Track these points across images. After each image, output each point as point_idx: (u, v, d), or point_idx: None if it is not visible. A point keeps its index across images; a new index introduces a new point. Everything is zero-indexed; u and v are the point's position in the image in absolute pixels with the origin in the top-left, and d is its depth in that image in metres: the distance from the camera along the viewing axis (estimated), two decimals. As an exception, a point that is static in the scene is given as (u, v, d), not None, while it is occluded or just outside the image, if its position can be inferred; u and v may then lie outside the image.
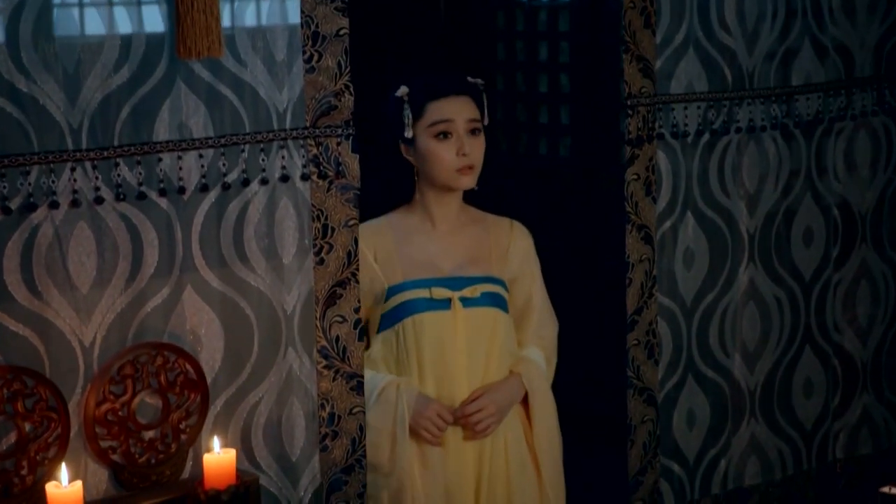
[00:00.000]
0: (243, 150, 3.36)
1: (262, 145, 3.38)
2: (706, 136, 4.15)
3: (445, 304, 3.31)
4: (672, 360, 4.22)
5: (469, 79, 3.42)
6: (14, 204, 3.07)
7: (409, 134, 3.33)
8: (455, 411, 3.32)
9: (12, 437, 3.13)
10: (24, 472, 3.14)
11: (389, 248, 3.40)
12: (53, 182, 3.11)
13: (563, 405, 3.73)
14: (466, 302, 3.31)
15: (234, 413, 3.45)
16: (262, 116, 3.38)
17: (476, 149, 3.34)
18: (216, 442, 3.11)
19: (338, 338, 3.54)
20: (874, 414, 4.67)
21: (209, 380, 3.39)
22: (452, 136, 3.33)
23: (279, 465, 3.53)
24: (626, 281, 4.05)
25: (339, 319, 3.54)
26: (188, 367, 3.34)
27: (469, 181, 3.36)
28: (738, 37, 4.14)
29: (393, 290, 3.37)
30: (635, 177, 4.01)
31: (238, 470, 3.22)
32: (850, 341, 4.60)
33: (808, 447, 4.54)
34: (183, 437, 3.36)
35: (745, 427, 4.40)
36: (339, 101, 3.46)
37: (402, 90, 3.38)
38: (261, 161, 3.38)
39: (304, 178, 3.45)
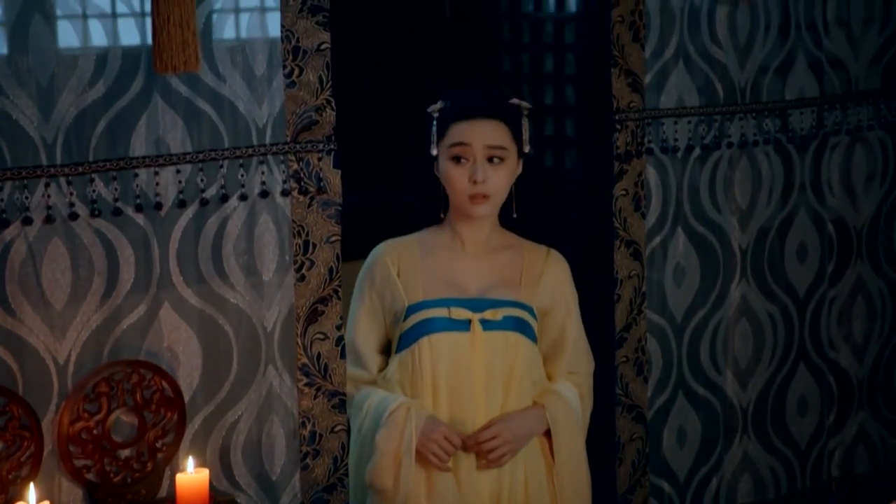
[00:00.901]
0: (222, 166, 3.32)
1: (241, 160, 3.34)
2: (697, 151, 4.10)
3: (465, 325, 3.12)
4: (662, 377, 4.17)
5: (514, 101, 3.18)
6: (-14, 220, 3.04)
7: (433, 151, 3.15)
8: (468, 438, 3.10)
9: (-16, 456, 3.10)
10: (-5, 491, 3.10)
11: (413, 265, 3.21)
12: (27, 198, 3.07)
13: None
14: (487, 325, 3.12)
15: (212, 431, 3.41)
16: (242, 131, 3.34)
17: (494, 178, 3.09)
18: (190, 462, 3.07)
19: (319, 355, 3.49)
20: (870, 431, 4.61)
21: (187, 398, 3.35)
22: (468, 162, 3.10)
23: (258, 484, 3.49)
24: (614, 297, 4.00)
25: (321, 336, 3.49)
26: (164, 384, 3.30)
27: (483, 210, 3.12)
28: (730, 50, 4.09)
29: (412, 309, 3.17)
30: (624, 192, 3.96)
31: (213, 490, 3.18)
32: (845, 358, 4.54)
33: (802, 465, 4.49)
34: (159, 455, 3.31)
35: (737, 445, 4.35)
36: (321, 115, 3.42)
37: (434, 106, 3.18)
38: (240, 176, 3.34)
39: (285, 193, 3.41)
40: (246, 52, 3.32)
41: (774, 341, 4.36)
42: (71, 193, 3.12)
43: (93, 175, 3.14)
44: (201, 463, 3.22)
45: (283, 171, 3.40)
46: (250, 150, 3.35)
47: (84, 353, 3.20)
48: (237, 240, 3.36)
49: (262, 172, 3.37)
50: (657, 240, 4.08)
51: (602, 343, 4.05)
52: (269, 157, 3.38)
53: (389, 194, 5.31)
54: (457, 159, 3.10)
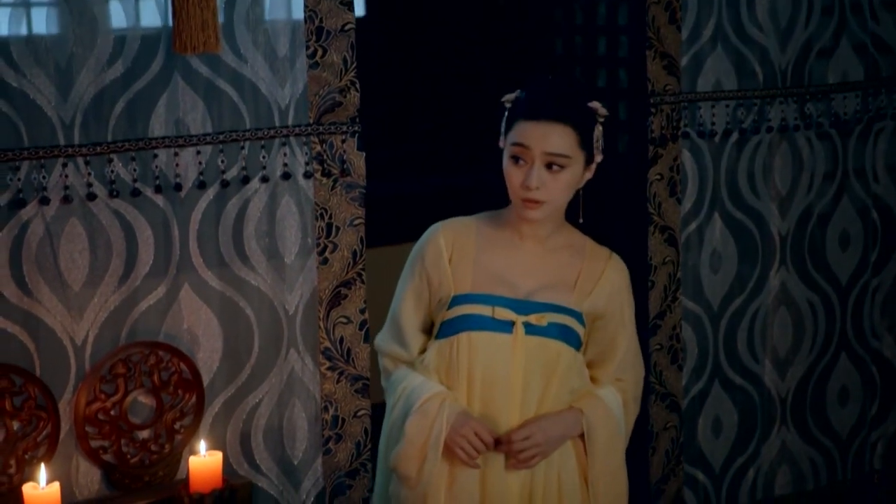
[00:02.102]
0: (243, 147, 3.29)
1: (262, 142, 3.31)
2: (735, 136, 4.01)
3: (507, 326, 2.95)
4: (697, 365, 4.09)
5: (592, 104, 2.92)
6: (3, 200, 3.03)
7: (501, 144, 2.94)
8: (500, 437, 2.95)
9: (0, 436, 3.09)
10: (11, 470, 3.10)
11: (467, 253, 3.02)
12: (44, 178, 3.06)
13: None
14: (530, 329, 2.95)
15: (233, 414, 3.39)
16: (263, 113, 3.30)
17: (551, 185, 2.87)
18: (202, 445, 3.05)
19: (342, 339, 3.46)
20: (915, 423, 4.51)
21: (206, 380, 3.33)
22: (526, 164, 2.88)
23: (280, 468, 3.47)
24: (648, 284, 3.93)
25: (344, 320, 3.46)
26: (183, 366, 3.28)
27: (535, 215, 2.91)
28: (770, 33, 3.98)
29: (457, 300, 2.99)
30: (658, 177, 3.88)
31: (227, 474, 3.16)
32: (889, 348, 4.43)
33: (843, 457, 4.39)
34: (177, 437, 3.30)
35: (775, 435, 4.26)
36: (345, 97, 3.38)
37: (509, 96, 2.97)
38: (261, 158, 3.31)
39: (307, 175, 3.37)
40: (268, 32, 3.28)
41: (815, 330, 4.27)
42: (89, 174, 3.11)
43: (111, 155, 3.13)
44: (216, 446, 3.21)
45: (306, 153, 3.36)
46: (272, 132, 3.31)
47: (102, 334, 3.19)
48: (258, 222, 3.33)
49: (285, 154, 3.34)
50: (693, 225, 3.99)
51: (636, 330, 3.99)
52: (292, 139, 3.34)
53: (418, 181, 5.24)
54: (515, 159, 2.89)
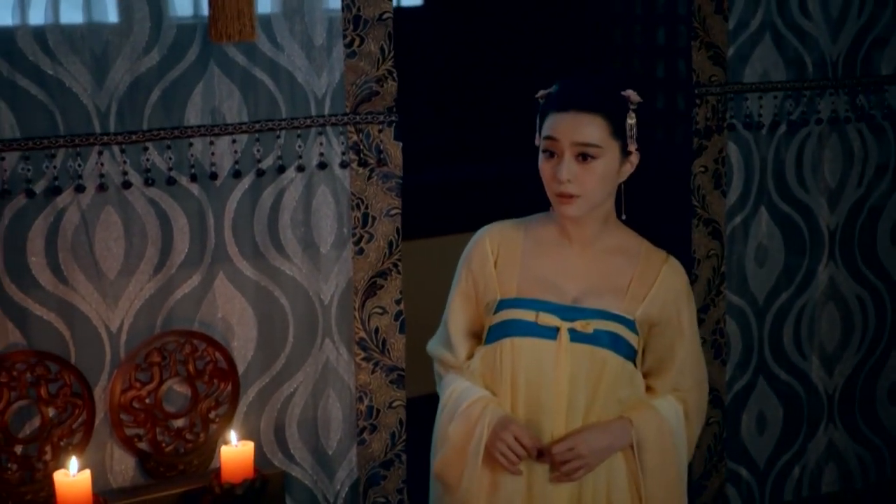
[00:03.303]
0: (279, 136, 3.28)
1: (299, 131, 3.30)
2: (783, 128, 3.94)
3: (552, 332, 2.82)
4: (741, 360, 4.03)
5: (626, 93, 2.80)
6: (39, 187, 3.04)
7: (536, 142, 2.82)
8: (544, 447, 2.81)
9: (35, 423, 3.11)
10: (46, 457, 3.12)
11: (513, 256, 2.92)
12: (80, 165, 3.07)
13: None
14: (576, 336, 2.82)
15: (267, 404, 3.39)
16: (300, 102, 3.29)
17: (584, 177, 2.75)
18: (233, 434, 3.04)
19: (377, 329, 3.44)
20: (967, 422, 4.41)
21: (241, 369, 3.33)
22: (557, 157, 2.77)
23: (314, 458, 3.46)
24: (691, 277, 3.88)
25: (379, 311, 3.44)
26: (218, 355, 3.28)
27: (571, 210, 2.79)
28: (821, 23, 3.91)
29: (503, 304, 2.89)
30: (703, 169, 3.82)
31: (261, 464, 3.16)
32: (942, 346, 4.35)
33: (893, 455, 4.31)
34: (212, 426, 3.30)
35: (822, 432, 4.19)
36: (382, 87, 3.36)
37: (542, 92, 2.87)
38: (297, 147, 3.30)
39: (344, 165, 3.36)
40: (305, 21, 3.27)
41: (864, 326, 4.19)
42: (124, 162, 3.11)
43: (146, 144, 3.13)
44: (250, 436, 3.21)
45: (343, 143, 3.35)
46: (308, 121, 3.30)
47: (137, 322, 3.20)
48: (294, 212, 3.32)
49: (321, 143, 3.33)
50: (738, 219, 3.93)
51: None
52: (328, 128, 3.33)
53: (457, 171, 5.19)
54: (547, 153, 2.78)
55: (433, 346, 3.02)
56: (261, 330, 3.34)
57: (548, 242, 2.91)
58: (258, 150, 3.25)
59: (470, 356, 2.98)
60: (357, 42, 3.32)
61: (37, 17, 2.99)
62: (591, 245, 2.89)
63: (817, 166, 4.01)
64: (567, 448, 2.78)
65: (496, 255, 2.93)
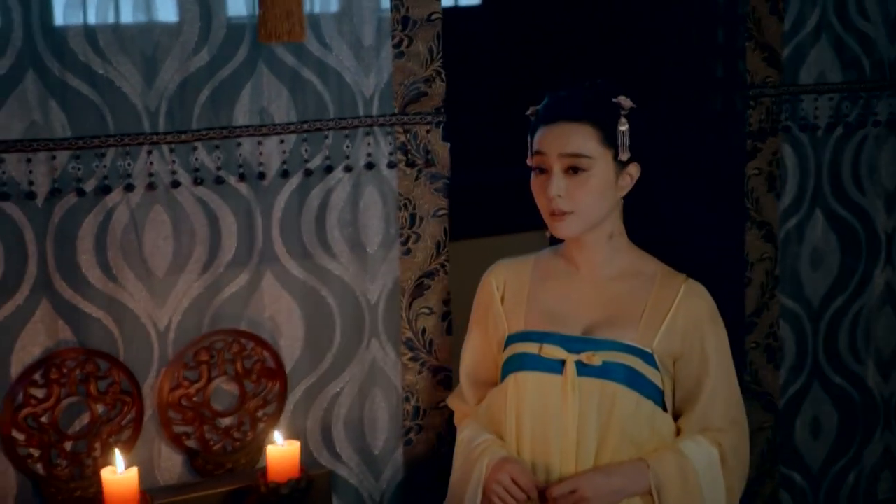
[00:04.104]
0: (327, 136, 3.28)
1: (346, 131, 3.30)
2: (839, 130, 3.88)
3: (557, 366, 2.64)
4: (795, 364, 3.98)
5: (617, 99, 2.64)
6: (89, 186, 3.07)
7: (528, 161, 2.67)
8: (545, 488, 2.62)
9: (85, 420, 3.15)
10: (95, 454, 3.15)
11: (520, 290, 2.79)
12: (129, 165, 3.09)
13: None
14: (583, 369, 2.62)
15: (314, 403, 3.40)
16: (348, 102, 3.30)
17: (575, 192, 2.59)
18: (278, 434, 3.05)
19: (424, 330, 3.44)
20: None
21: (288, 368, 3.34)
22: (546, 174, 2.63)
23: (360, 458, 3.46)
24: (744, 280, 3.84)
25: (426, 311, 3.44)
26: (266, 354, 3.30)
27: (564, 229, 2.63)
28: (879, 24, 3.85)
29: (510, 340, 2.77)
30: (756, 171, 3.78)
31: (307, 463, 3.17)
32: None
33: (952, 462, 4.25)
34: (260, 425, 3.32)
35: (877, 439, 4.13)
36: (430, 87, 3.35)
37: (532, 108, 2.74)
38: (345, 148, 3.31)
39: (391, 165, 3.36)
40: (353, 21, 3.27)
41: (923, 332, 4.13)
42: (173, 161, 3.14)
43: (195, 143, 3.15)
44: (296, 435, 3.22)
45: (390, 143, 3.35)
46: (356, 121, 3.31)
47: (184, 320, 3.22)
48: (341, 212, 3.33)
49: (369, 144, 3.33)
50: (793, 222, 3.89)
51: (730, 328, 3.90)
52: (376, 129, 3.33)
53: (505, 172, 5.15)
54: (538, 170, 2.64)
55: (449, 400, 2.95)
56: (308, 329, 3.35)
57: (555, 273, 2.76)
58: (306, 150, 3.26)
59: (481, 401, 2.86)
60: (406, 42, 3.32)
61: (89, 17, 3.01)
62: (601, 271, 2.72)
63: (874, 169, 3.95)
64: (569, 490, 2.58)
65: (502, 292, 2.82)
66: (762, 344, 3.89)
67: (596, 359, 2.62)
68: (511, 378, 2.70)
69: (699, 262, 3.94)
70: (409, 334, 3.43)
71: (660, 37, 4.61)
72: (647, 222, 3.75)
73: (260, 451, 3.31)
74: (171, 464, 3.26)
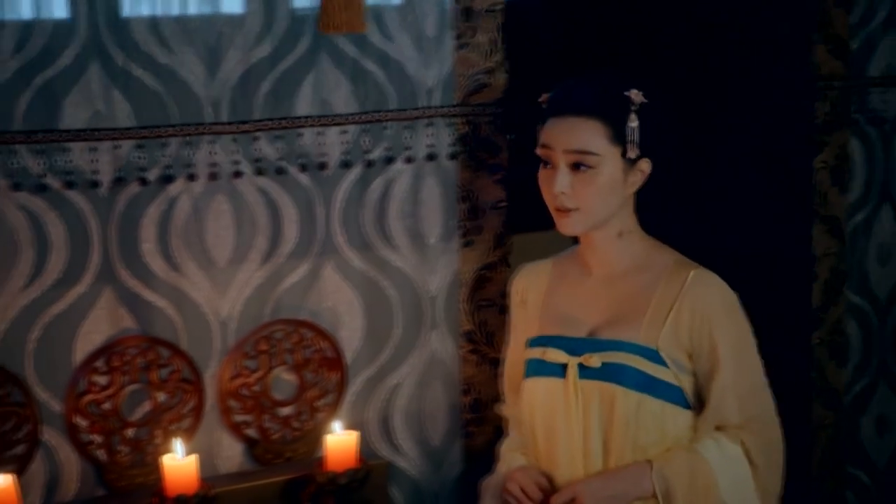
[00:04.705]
0: (387, 128, 3.29)
1: (407, 123, 3.30)
2: (909, 123, 3.83)
3: (560, 370, 2.54)
4: (861, 362, 3.93)
5: (626, 93, 2.47)
6: (152, 175, 3.09)
7: (538, 150, 2.52)
8: (551, 497, 2.53)
9: (146, 407, 3.17)
10: (157, 441, 3.17)
11: (538, 295, 2.70)
12: (192, 154, 3.11)
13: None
14: (584, 372, 2.51)
15: (373, 394, 3.40)
16: (409, 93, 3.30)
17: (581, 189, 2.45)
18: (338, 424, 3.06)
19: (484, 322, 3.43)
20: None
21: (348, 359, 3.35)
22: (552, 168, 2.49)
23: (420, 450, 3.47)
24: (810, 275, 3.79)
25: (486, 303, 3.43)
26: (325, 345, 3.31)
27: (569, 226, 2.50)
28: (952, 15, 3.79)
29: (528, 345, 2.68)
30: (823, 164, 3.73)
31: (366, 454, 3.17)
32: None
33: None
34: (319, 415, 3.33)
35: (947, 439, 4.07)
36: (492, 79, 3.35)
37: (545, 96, 2.58)
38: (406, 139, 3.31)
39: (452, 157, 3.35)
40: (416, 12, 3.27)
41: None
42: (235, 151, 3.15)
43: (257, 134, 3.16)
44: (356, 425, 3.22)
45: (451, 135, 3.35)
46: (417, 113, 3.30)
47: (245, 310, 3.23)
48: (402, 203, 3.33)
49: (429, 135, 3.33)
50: (860, 216, 3.83)
51: (796, 324, 3.86)
52: (437, 120, 3.33)
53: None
54: (544, 163, 2.50)
55: (498, 408, 2.90)
56: (368, 320, 3.35)
57: (570, 275, 2.65)
58: (367, 141, 3.27)
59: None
60: (468, 34, 3.31)
61: (151, 7, 3.04)
62: (611, 270, 2.57)
63: (945, 162, 3.89)
64: (567, 498, 2.49)
65: (523, 296, 2.74)
66: (827, 340, 3.84)
67: (594, 360, 2.50)
68: (523, 385, 2.64)
69: (765, 257, 3.92)
70: (469, 326, 3.42)
71: (725, 28, 4.56)
72: (710, 216, 3.72)
73: (319, 440, 3.32)
74: (232, 452, 3.27)
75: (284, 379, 3.30)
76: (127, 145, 3.05)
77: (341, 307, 3.32)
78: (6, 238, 2.98)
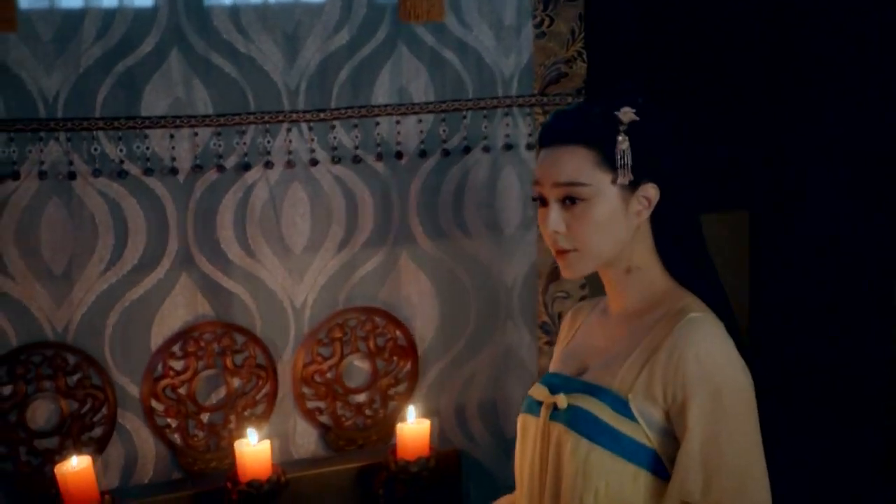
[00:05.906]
0: (465, 116, 3.27)
1: (485, 112, 3.29)
2: None
3: (537, 407, 2.29)
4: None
5: (616, 112, 2.18)
6: (229, 163, 3.11)
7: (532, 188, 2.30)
8: None
9: (221, 392, 3.20)
10: (231, 426, 3.20)
11: (569, 332, 2.47)
12: (269, 142, 3.12)
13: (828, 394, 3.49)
14: (554, 413, 2.23)
15: (447, 383, 3.40)
16: (487, 82, 3.28)
17: (574, 227, 2.18)
18: (411, 411, 3.06)
19: (560, 314, 3.41)
20: None
21: (422, 348, 3.35)
22: (547, 205, 2.23)
23: (494, 441, 3.46)
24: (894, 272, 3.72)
25: (563, 295, 3.41)
26: (399, 333, 3.31)
27: (568, 268, 2.23)
28: None
29: None
30: (910, 158, 3.65)
31: (440, 443, 3.17)
32: None
33: None
34: (391, 403, 3.33)
35: None
36: (571, 68, 3.32)
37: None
38: (483, 128, 3.29)
39: (530, 147, 3.33)
40: (494, 1, 3.25)
41: None
42: (312, 139, 3.16)
43: (334, 122, 3.17)
44: (430, 414, 3.22)
45: (529, 124, 3.32)
46: (495, 102, 3.29)
47: (320, 298, 3.24)
48: (479, 193, 3.32)
49: (507, 125, 3.31)
50: (948, 211, 3.74)
51: (879, 321, 3.79)
52: (515, 110, 3.31)
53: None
54: (539, 201, 2.24)
55: None
56: (443, 310, 3.35)
57: (598, 313, 2.40)
58: (444, 131, 3.26)
59: None
60: (547, 22, 3.29)
61: (232, -4, 3.06)
62: (624, 308, 2.29)
63: None
64: None
65: (562, 333, 2.51)
66: (912, 337, 3.76)
67: (562, 401, 2.22)
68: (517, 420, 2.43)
69: (849, 255, 3.85)
70: (546, 318, 3.41)
71: (812, 21, 4.49)
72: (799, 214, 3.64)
73: (391, 428, 3.33)
74: (306, 439, 3.29)
75: (358, 366, 3.31)
76: (205, 132, 3.07)
77: (416, 296, 3.32)
78: (86, 223, 3.01)
